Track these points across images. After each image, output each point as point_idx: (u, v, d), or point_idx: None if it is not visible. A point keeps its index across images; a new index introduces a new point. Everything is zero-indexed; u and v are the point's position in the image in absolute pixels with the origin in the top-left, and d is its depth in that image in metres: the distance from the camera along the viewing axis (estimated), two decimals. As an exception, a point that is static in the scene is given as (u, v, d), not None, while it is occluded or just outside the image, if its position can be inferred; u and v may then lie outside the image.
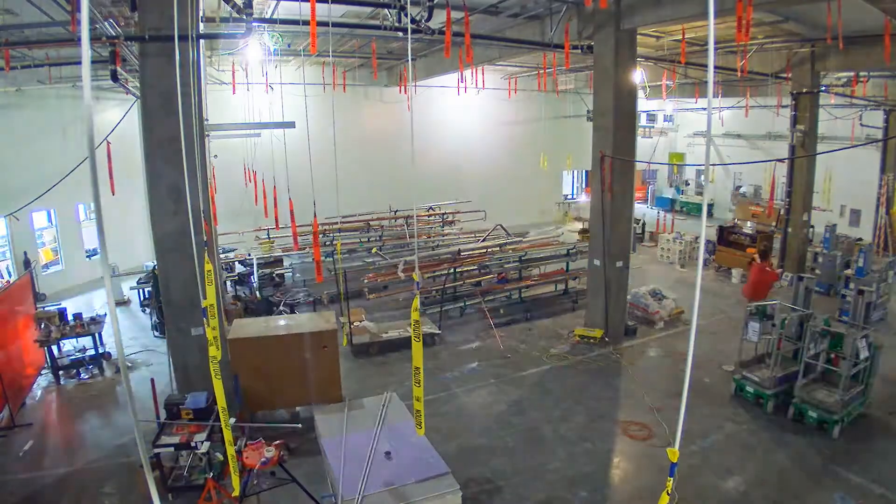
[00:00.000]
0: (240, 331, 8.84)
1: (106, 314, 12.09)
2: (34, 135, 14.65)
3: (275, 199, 13.62)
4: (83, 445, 8.52)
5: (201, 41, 8.30)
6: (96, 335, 10.87)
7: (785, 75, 15.21)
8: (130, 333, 12.92)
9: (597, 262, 11.79)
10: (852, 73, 16.12)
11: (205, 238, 7.02)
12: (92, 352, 10.91)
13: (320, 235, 15.01)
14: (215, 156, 14.98)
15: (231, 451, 4.96)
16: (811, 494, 7.17)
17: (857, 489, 7.18)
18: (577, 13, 11.19)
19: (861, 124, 19.68)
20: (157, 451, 6.97)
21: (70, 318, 11.21)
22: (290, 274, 16.34)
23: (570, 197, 28.28)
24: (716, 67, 15.96)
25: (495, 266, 14.77)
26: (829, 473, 7.55)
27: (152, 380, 8.23)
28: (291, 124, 14.02)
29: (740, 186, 25.31)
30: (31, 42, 9.97)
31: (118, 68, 9.44)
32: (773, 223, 18.34)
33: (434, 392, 9.77)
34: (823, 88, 15.82)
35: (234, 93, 16.24)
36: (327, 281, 13.74)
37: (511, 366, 10.98)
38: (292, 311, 13.11)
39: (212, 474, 6.51)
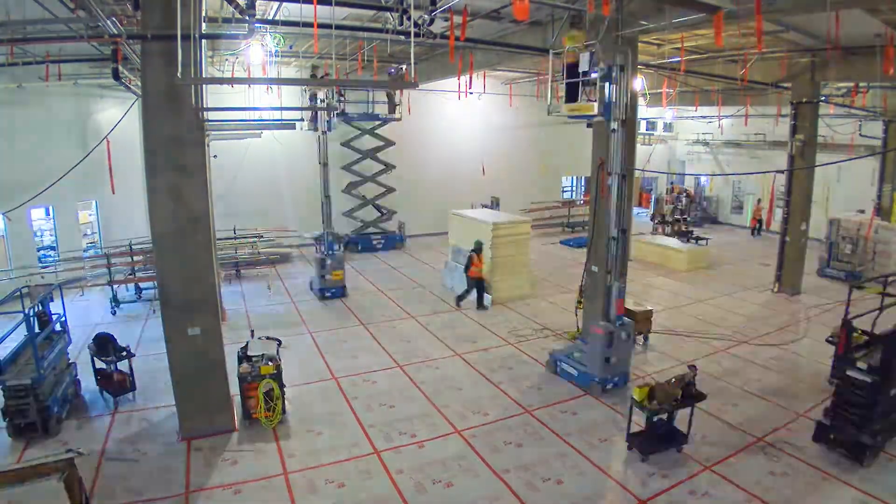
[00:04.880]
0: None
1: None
2: (34, 131, 14.60)
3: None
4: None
5: (203, 41, 8.29)
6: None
7: (785, 85, 15.25)
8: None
9: (594, 269, 11.74)
10: (852, 84, 16.17)
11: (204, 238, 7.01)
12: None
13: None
14: (215, 156, 14.98)
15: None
16: None
17: None
18: (578, 20, 11.18)
19: (860, 134, 19.75)
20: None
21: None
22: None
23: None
24: (716, 76, 16.01)
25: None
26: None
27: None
28: (292, 125, 14.05)
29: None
30: (33, 39, 9.96)
31: (120, 66, 9.45)
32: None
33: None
34: (823, 98, 15.86)
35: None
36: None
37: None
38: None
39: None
